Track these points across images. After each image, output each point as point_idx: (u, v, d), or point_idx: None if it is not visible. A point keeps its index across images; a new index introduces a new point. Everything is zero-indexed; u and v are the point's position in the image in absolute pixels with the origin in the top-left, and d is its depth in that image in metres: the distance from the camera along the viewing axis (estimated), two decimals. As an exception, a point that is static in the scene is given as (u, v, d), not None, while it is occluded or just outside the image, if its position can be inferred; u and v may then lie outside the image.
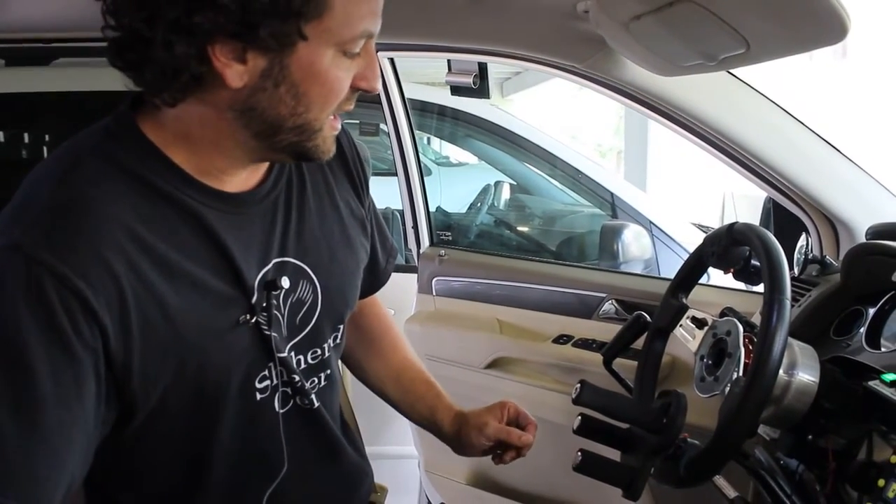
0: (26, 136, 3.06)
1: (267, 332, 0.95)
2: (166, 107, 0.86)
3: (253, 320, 0.93)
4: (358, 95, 0.92)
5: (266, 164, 0.99)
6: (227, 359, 0.92)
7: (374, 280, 1.24)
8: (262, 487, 1.01)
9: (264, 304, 0.94)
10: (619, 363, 1.71)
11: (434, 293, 2.18)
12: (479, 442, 1.21)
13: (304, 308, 1.01)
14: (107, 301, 0.81)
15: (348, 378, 1.95)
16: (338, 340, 1.10)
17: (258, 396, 0.97)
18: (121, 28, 0.82)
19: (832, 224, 1.62)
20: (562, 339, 1.91)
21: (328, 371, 1.08)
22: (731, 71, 1.58)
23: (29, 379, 0.77)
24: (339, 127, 0.93)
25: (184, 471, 0.98)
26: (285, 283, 0.97)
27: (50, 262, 0.78)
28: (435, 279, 2.18)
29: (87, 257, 0.80)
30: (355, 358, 1.32)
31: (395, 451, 2.40)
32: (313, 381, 1.05)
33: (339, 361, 1.15)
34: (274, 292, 0.95)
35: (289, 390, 1.02)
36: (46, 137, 3.06)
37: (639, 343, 1.35)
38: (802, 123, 1.61)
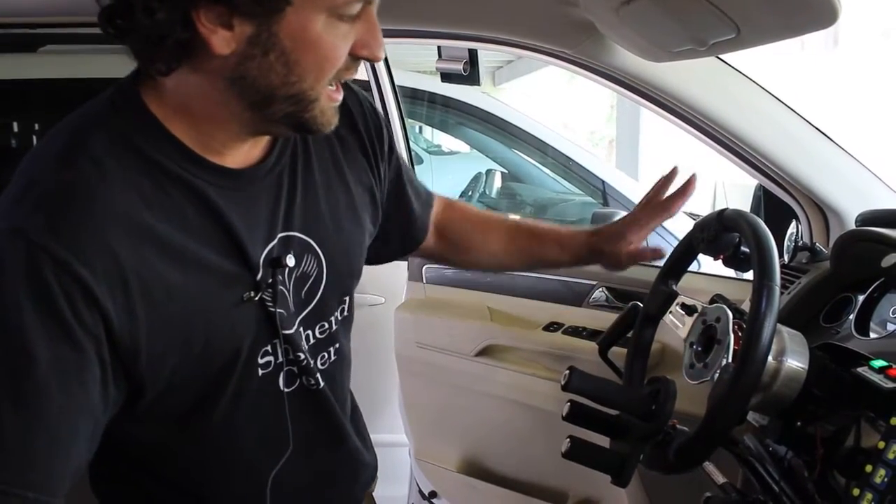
0: (14, 124, 3.03)
1: (272, 309, 0.94)
2: (160, 76, 0.84)
3: (258, 297, 0.92)
4: (359, 64, 0.89)
5: (267, 138, 0.97)
6: (233, 335, 0.91)
7: (417, 233, 1.28)
8: (269, 467, 1.01)
9: (269, 281, 0.93)
10: (611, 351, 1.72)
11: (424, 281, 2.17)
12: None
13: (310, 282, 1.00)
14: (109, 286, 0.79)
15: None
16: (345, 313, 1.09)
17: (260, 372, 0.96)
18: None
19: (822, 211, 1.62)
20: (552, 327, 1.90)
21: (337, 345, 1.07)
22: (723, 58, 1.58)
23: (30, 367, 0.76)
24: (340, 98, 0.90)
25: (192, 449, 0.97)
26: (290, 261, 0.95)
27: (52, 248, 0.76)
28: (425, 267, 2.16)
29: (90, 242, 0.78)
30: (469, 261, 1.43)
31: (386, 438, 2.39)
32: (323, 356, 1.05)
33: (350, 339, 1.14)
34: (279, 268, 0.94)
35: (294, 369, 1.01)
36: (35, 125, 3.04)
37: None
38: (793, 111, 1.61)
